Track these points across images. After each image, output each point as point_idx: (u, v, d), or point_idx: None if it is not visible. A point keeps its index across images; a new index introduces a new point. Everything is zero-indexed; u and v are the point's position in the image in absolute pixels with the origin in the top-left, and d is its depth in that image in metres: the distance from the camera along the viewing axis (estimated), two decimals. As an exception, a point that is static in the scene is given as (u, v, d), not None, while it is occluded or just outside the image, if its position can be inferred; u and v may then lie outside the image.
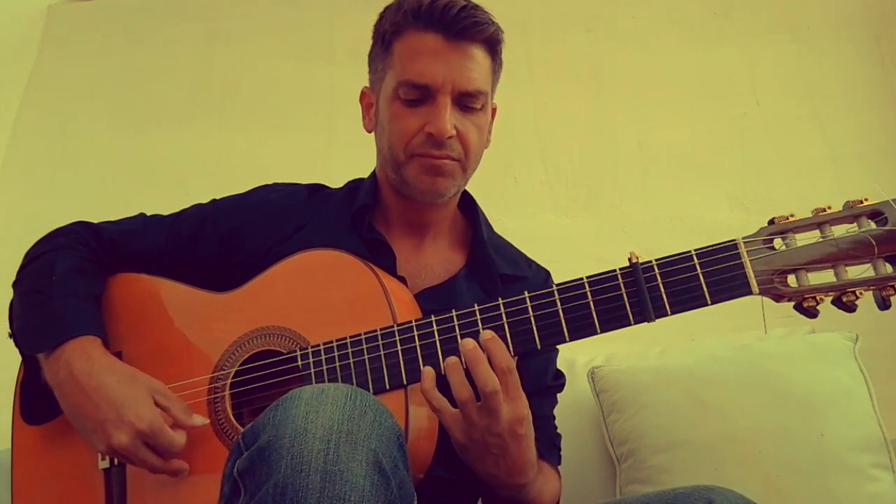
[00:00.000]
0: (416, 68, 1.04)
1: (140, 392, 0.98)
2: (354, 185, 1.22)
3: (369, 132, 1.17)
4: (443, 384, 0.91)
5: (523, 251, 1.28)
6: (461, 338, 0.92)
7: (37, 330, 1.04)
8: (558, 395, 1.23)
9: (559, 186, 2.13)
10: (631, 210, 2.07)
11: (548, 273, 1.25)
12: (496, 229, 1.27)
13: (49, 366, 1.01)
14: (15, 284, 1.12)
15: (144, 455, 0.96)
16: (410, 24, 1.05)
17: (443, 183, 1.08)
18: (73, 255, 1.11)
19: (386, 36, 1.08)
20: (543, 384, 1.16)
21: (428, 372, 0.91)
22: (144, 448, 0.96)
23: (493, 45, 1.09)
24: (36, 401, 1.09)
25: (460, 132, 1.06)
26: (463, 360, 0.89)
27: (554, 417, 1.20)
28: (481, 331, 0.92)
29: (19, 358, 1.13)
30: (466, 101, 1.06)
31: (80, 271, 1.09)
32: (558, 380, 1.22)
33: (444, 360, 0.91)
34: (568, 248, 2.02)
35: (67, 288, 1.06)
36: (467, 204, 1.23)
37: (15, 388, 1.13)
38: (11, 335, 1.11)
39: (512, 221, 2.03)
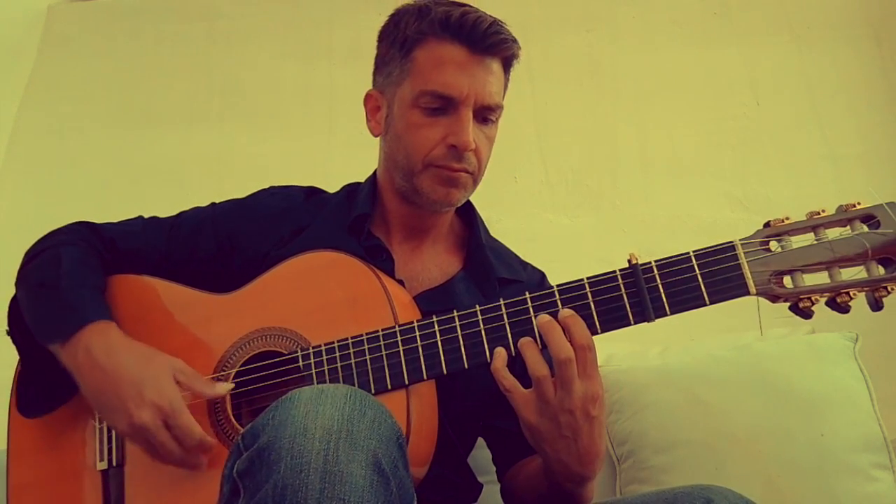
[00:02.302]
0: (441, 79, 1.04)
1: (160, 370, 0.98)
2: (352, 189, 1.22)
3: (376, 136, 1.16)
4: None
5: (523, 251, 1.28)
6: (463, 339, 0.93)
7: (50, 320, 1.04)
8: None
9: (559, 186, 2.13)
10: (631, 210, 2.07)
11: (542, 275, 1.26)
12: (496, 229, 1.27)
13: (66, 352, 1.01)
14: (19, 282, 1.12)
15: (163, 437, 0.94)
16: (437, 33, 1.05)
17: (455, 194, 1.09)
18: (76, 250, 1.11)
19: (407, 42, 1.08)
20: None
21: (500, 352, 0.90)
22: (165, 430, 0.94)
23: (510, 61, 1.11)
24: (34, 393, 1.09)
25: (476, 145, 1.07)
26: (537, 334, 0.89)
27: None
28: (483, 331, 0.92)
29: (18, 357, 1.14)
30: (486, 114, 1.08)
31: (85, 264, 1.10)
32: None
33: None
34: (568, 248, 2.02)
35: (75, 280, 1.06)
36: (464, 207, 1.23)
37: (12, 384, 1.13)
38: (9, 332, 1.11)
39: (512, 221, 2.04)
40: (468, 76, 1.04)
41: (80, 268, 1.08)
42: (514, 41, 1.09)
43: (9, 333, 1.11)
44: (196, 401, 1.02)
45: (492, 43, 1.05)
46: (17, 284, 1.12)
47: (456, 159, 1.06)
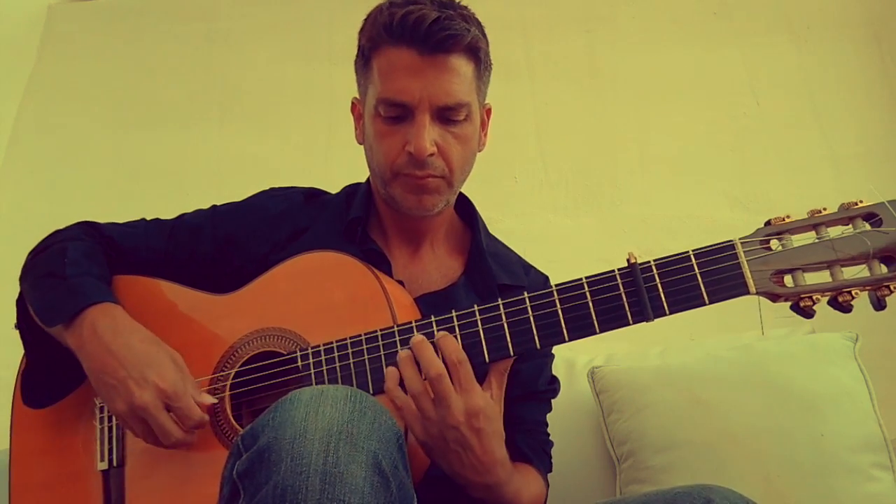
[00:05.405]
0: (393, 86, 1.02)
1: (163, 354, 0.99)
2: (351, 191, 1.22)
3: (360, 144, 1.16)
4: None
5: (523, 251, 1.27)
6: (461, 339, 0.92)
7: (56, 303, 1.04)
8: (553, 401, 1.21)
9: (559, 186, 2.13)
10: (631, 210, 2.07)
11: (546, 278, 1.24)
12: (496, 229, 1.27)
13: (72, 332, 1.01)
14: (24, 276, 1.13)
15: (164, 418, 0.95)
16: (385, 39, 1.02)
17: (428, 200, 1.07)
18: (82, 244, 1.12)
19: (365, 51, 1.07)
20: (534, 389, 1.16)
21: (391, 371, 0.91)
22: (164, 411, 0.95)
23: (473, 51, 1.04)
24: (39, 384, 1.10)
25: (442, 148, 1.04)
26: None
27: (546, 424, 1.18)
28: (481, 331, 0.92)
29: (19, 358, 1.14)
30: (447, 115, 1.03)
31: (90, 257, 1.10)
32: (551, 385, 1.21)
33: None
34: (568, 248, 2.02)
35: (80, 269, 1.07)
36: (465, 209, 1.22)
37: (16, 380, 1.13)
38: (17, 326, 1.12)
39: (512, 221, 2.04)
40: (419, 79, 1.01)
41: (86, 259, 1.09)
42: (467, 31, 1.01)
43: (17, 327, 1.12)
44: None
45: (439, 40, 0.99)
46: (21, 279, 1.13)
47: (417, 166, 1.03)
